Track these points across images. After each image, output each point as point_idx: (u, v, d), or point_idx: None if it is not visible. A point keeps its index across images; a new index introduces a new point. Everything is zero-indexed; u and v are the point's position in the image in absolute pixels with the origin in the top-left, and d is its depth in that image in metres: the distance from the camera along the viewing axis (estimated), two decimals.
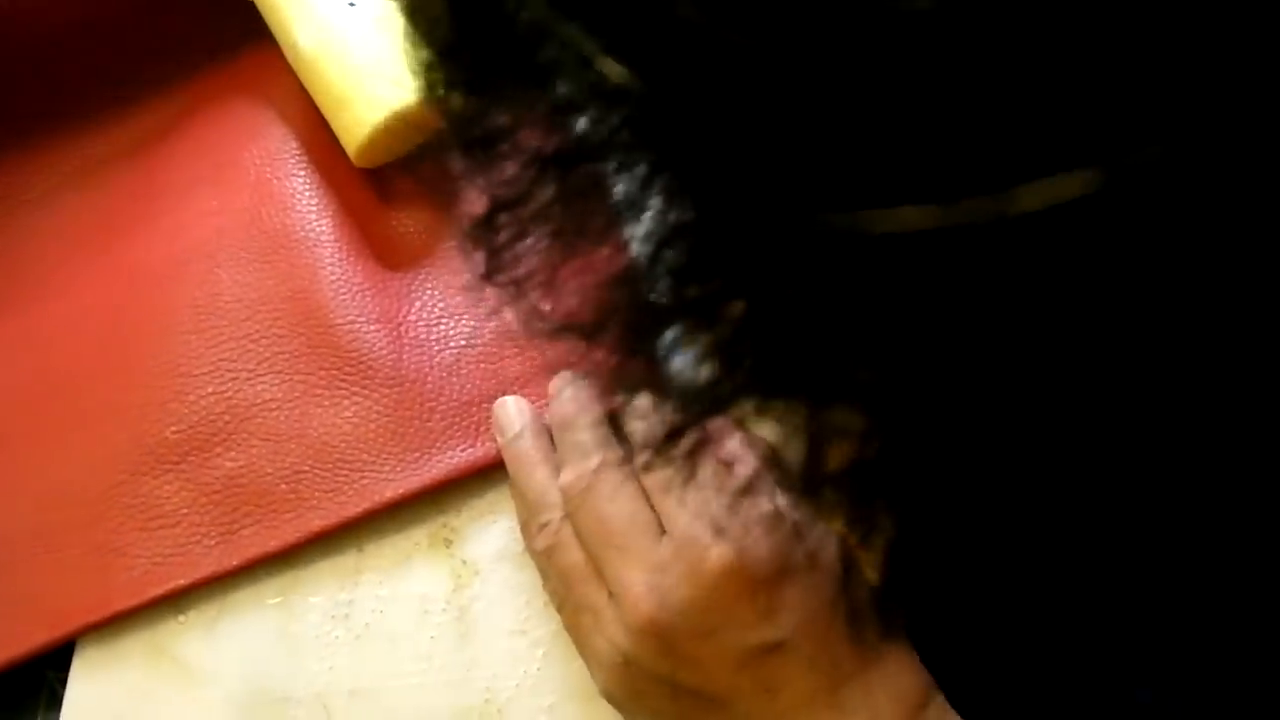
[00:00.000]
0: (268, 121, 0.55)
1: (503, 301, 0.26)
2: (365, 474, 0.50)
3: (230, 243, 0.53)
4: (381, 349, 0.51)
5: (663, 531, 0.44)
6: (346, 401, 0.51)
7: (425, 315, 0.52)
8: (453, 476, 0.50)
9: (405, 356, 0.51)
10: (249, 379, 0.51)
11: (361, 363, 0.51)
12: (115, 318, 0.53)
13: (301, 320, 0.52)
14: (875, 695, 0.43)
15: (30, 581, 0.50)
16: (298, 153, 0.54)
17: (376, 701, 0.48)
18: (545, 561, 0.47)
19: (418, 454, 0.50)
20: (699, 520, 0.43)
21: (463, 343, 0.52)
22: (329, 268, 0.52)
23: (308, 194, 0.53)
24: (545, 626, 0.49)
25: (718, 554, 0.42)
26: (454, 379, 0.51)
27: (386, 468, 0.50)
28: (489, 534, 0.50)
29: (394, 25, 0.52)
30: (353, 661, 0.49)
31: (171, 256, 0.54)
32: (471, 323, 0.52)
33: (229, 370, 0.51)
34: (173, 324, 0.52)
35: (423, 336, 0.52)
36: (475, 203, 0.25)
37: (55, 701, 0.50)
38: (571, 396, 0.49)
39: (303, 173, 0.54)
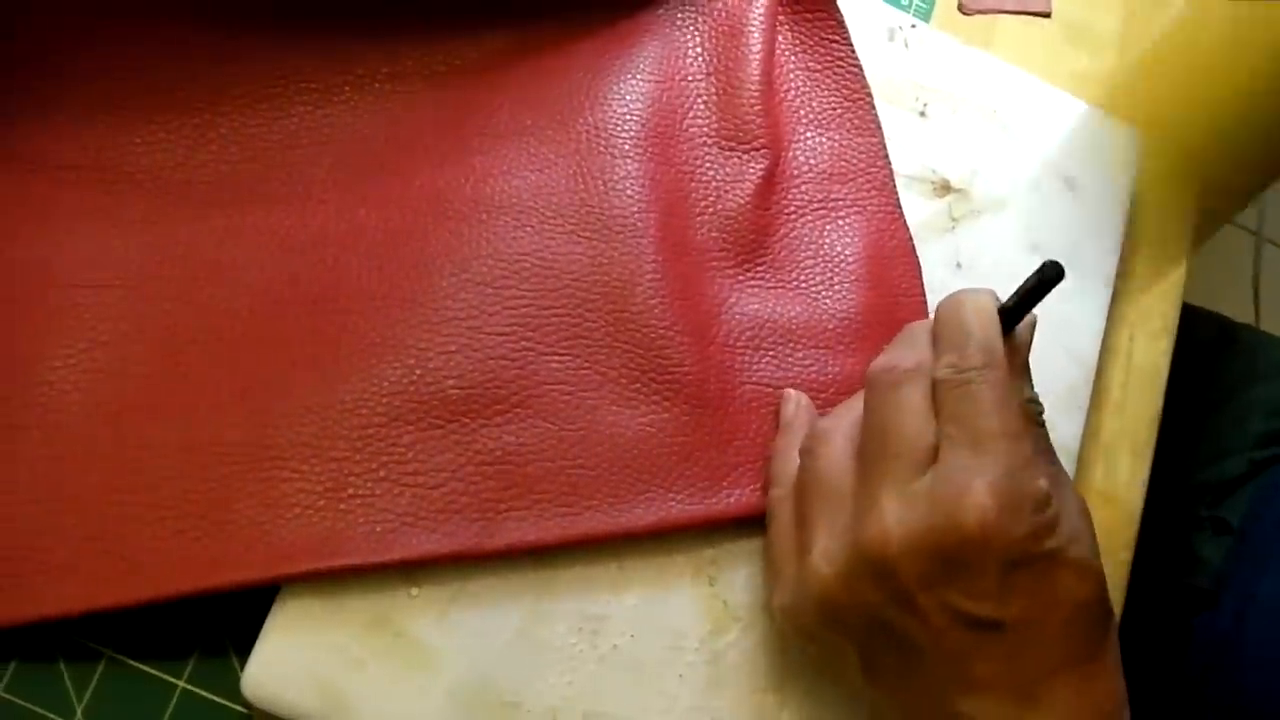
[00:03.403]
0: (611, 93, 0.51)
1: None
2: (651, 487, 0.46)
3: (546, 205, 0.49)
4: (688, 363, 0.48)
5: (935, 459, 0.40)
6: (643, 406, 0.47)
7: (731, 341, 0.49)
8: (738, 514, 0.47)
9: (710, 378, 0.48)
10: (545, 352, 0.47)
11: (666, 372, 0.47)
12: (402, 243, 0.48)
13: (611, 309, 0.48)
14: (1072, 702, 0.40)
15: (244, 503, 0.44)
16: (635, 135, 0.50)
17: None
18: (809, 455, 0.44)
19: (706, 483, 0.47)
20: (973, 469, 0.39)
21: (764, 379, 0.49)
22: (650, 264, 0.48)
23: (637, 181, 0.50)
24: (796, 688, 0.46)
25: (975, 513, 0.38)
26: (753, 415, 0.48)
27: (676, 487, 0.46)
28: (756, 581, 0.47)
29: None
30: (594, 681, 0.45)
31: (479, 198, 0.49)
32: (774, 361, 0.50)
33: (525, 336, 0.47)
34: (469, 268, 0.47)
35: (727, 363, 0.49)
36: None
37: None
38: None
39: (636, 157, 0.50)
